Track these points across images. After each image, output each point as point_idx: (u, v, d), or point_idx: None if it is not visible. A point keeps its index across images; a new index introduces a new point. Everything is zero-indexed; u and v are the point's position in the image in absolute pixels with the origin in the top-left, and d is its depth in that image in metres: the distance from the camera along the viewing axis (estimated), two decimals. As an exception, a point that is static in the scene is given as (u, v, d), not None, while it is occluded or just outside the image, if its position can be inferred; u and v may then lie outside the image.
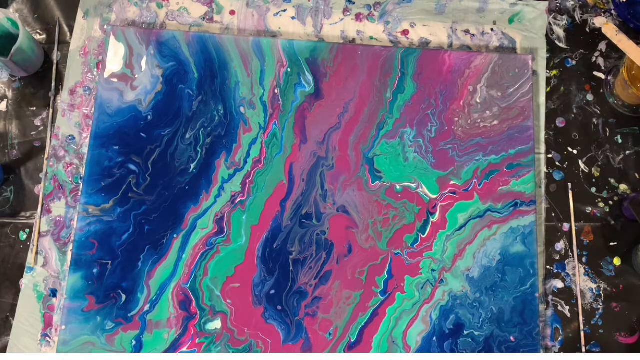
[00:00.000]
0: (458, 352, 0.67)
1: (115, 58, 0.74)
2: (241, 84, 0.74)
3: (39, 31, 0.78)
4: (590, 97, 0.76)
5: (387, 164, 0.72)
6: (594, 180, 0.73)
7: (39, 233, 0.71)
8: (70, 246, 0.70)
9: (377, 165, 0.72)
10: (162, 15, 0.78)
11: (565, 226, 0.72)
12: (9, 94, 0.76)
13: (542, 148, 0.74)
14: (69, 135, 0.74)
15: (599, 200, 0.73)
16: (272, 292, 0.68)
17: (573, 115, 0.75)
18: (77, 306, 0.67)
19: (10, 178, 0.73)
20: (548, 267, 0.70)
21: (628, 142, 0.74)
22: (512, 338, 0.67)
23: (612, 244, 0.71)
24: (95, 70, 0.76)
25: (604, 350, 0.68)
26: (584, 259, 0.71)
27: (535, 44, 0.77)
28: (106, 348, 0.66)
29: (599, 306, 0.69)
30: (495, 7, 0.78)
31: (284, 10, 0.78)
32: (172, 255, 0.69)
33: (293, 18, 0.78)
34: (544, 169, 0.73)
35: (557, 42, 0.77)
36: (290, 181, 0.71)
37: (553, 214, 0.72)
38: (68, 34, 0.78)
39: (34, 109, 0.75)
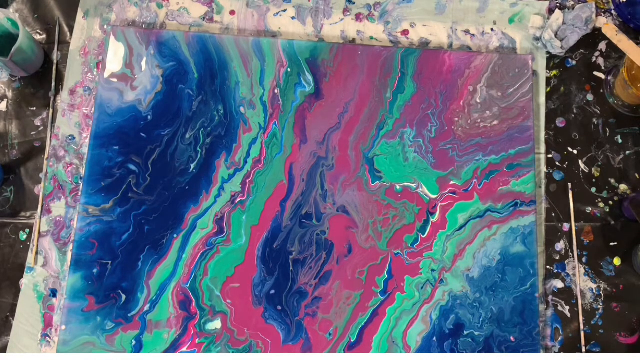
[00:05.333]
0: (458, 352, 0.67)
1: (115, 58, 0.74)
2: (241, 84, 0.74)
3: (39, 31, 0.78)
4: (590, 97, 0.76)
5: (387, 164, 0.72)
6: (594, 180, 0.73)
7: (39, 233, 0.71)
8: (70, 246, 0.70)
9: (377, 165, 0.72)
10: (162, 15, 0.78)
11: (565, 226, 0.72)
12: (9, 94, 0.76)
13: (542, 148, 0.74)
14: (69, 135, 0.74)
15: (599, 200, 0.73)
16: (272, 292, 0.68)
17: (573, 115, 0.75)
18: (77, 306, 0.67)
19: (10, 178, 0.73)
20: (548, 267, 0.70)
21: (628, 142, 0.74)
22: (512, 338, 0.67)
23: (612, 244, 0.71)
24: (95, 70, 0.76)
25: (604, 350, 0.68)
26: (584, 259, 0.71)
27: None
28: (106, 348, 0.66)
29: (599, 306, 0.69)
30: (495, 7, 0.78)
31: (284, 10, 0.78)
32: (172, 255, 0.69)
33: (293, 18, 0.78)
34: (544, 169, 0.73)
35: (557, 42, 0.77)
36: (290, 181, 0.71)
37: (553, 214, 0.72)
38: (68, 34, 0.78)
39: (34, 109, 0.75)
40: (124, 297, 0.68)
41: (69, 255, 0.69)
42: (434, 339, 0.67)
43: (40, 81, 0.76)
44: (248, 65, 0.74)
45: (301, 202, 0.71)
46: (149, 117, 0.73)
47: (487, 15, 0.78)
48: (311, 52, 0.75)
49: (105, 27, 0.77)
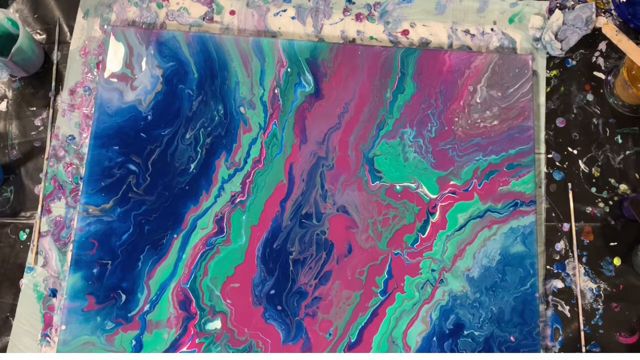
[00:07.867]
0: (458, 352, 0.67)
1: (115, 58, 0.74)
2: (241, 84, 0.74)
3: (39, 31, 0.78)
4: (590, 97, 0.76)
5: (387, 164, 0.72)
6: (594, 180, 0.73)
7: (39, 233, 0.71)
8: (70, 246, 0.70)
9: (377, 165, 0.72)
10: (162, 15, 0.78)
11: (565, 226, 0.72)
12: (9, 94, 0.76)
13: (542, 148, 0.74)
14: (69, 135, 0.74)
15: (599, 200, 0.73)
16: (272, 292, 0.68)
17: (573, 115, 0.75)
18: (77, 306, 0.67)
19: (10, 178, 0.73)
20: (548, 267, 0.70)
21: (628, 142, 0.74)
22: (512, 338, 0.67)
23: (612, 244, 0.71)
24: (95, 70, 0.76)
25: (604, 350, 0.68)
26: (584, 259, 0.71)
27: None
28: (106, 348, 0.66)
29: (599, 306, 0.69)
30: (495, 7, 0.78)
31: (284, 10, 0.78)
32: (172, 255, 0.69)
33: (293, 18, 0.78)
34: (544, 169, 0.73)
35: (557, 42, 0.77)
36: (290, 181, 0.71)
37: (553, 214, 0.72)
38: (68, 34, 0.78)
39: (34, 109, 0.75)
40: (124, 297, 0.68)
41: (69, 255, 0.70)
42: (434, 339, 0.67)
43: (40, 81, 0.76)
44: (248, 65, 0.74)
45: (301, 202, 0.71)
46: (149, 117, 0.73)
47: (487, 15, 0.78)
48: (311, 52, 0.75)
49: (105, 27, 0.77)
